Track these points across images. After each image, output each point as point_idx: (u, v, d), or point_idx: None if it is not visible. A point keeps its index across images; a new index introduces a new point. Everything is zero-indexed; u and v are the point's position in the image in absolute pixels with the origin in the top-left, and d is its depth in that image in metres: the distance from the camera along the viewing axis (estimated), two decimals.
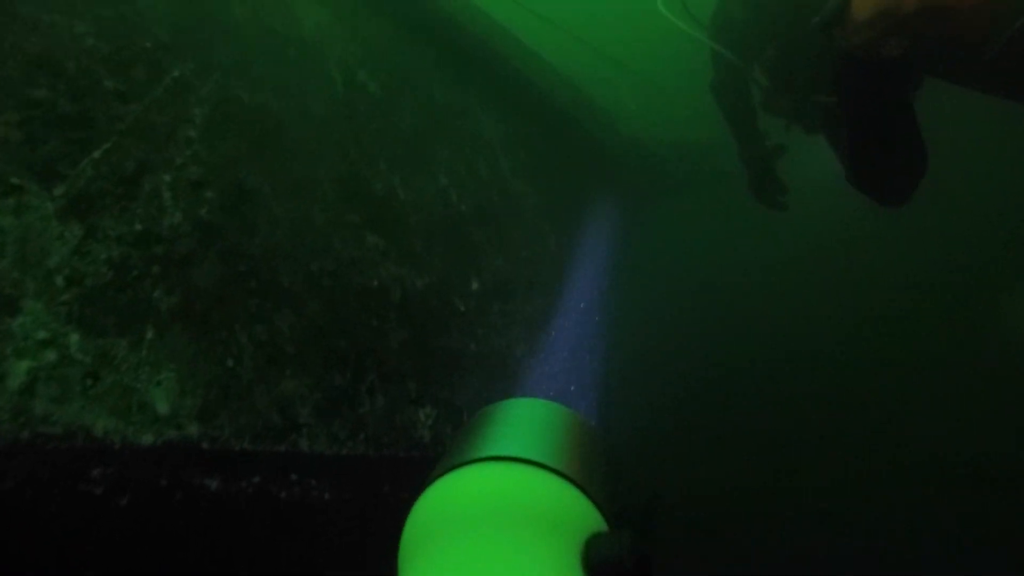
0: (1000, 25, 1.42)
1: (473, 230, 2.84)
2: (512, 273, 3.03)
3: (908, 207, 2.05)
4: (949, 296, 5.87)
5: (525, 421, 0.64)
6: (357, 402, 1.83)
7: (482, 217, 2.96)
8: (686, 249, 7.96)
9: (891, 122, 1.71)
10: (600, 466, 0.62)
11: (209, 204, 1.64)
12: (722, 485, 5.41)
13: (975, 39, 1.53)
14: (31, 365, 1.13)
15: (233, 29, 2.03)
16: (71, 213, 1.30)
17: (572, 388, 3.08)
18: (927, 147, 1.81)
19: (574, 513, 0.54)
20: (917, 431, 5.32)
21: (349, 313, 1.96)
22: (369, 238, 2.18)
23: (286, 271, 1.80)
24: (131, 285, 1.36)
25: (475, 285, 2.67)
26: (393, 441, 1.89)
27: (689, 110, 7.14)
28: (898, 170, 1.86)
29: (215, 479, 1.34)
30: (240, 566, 1.40)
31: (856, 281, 6.69)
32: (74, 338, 1.20)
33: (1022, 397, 4.94)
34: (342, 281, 1.98)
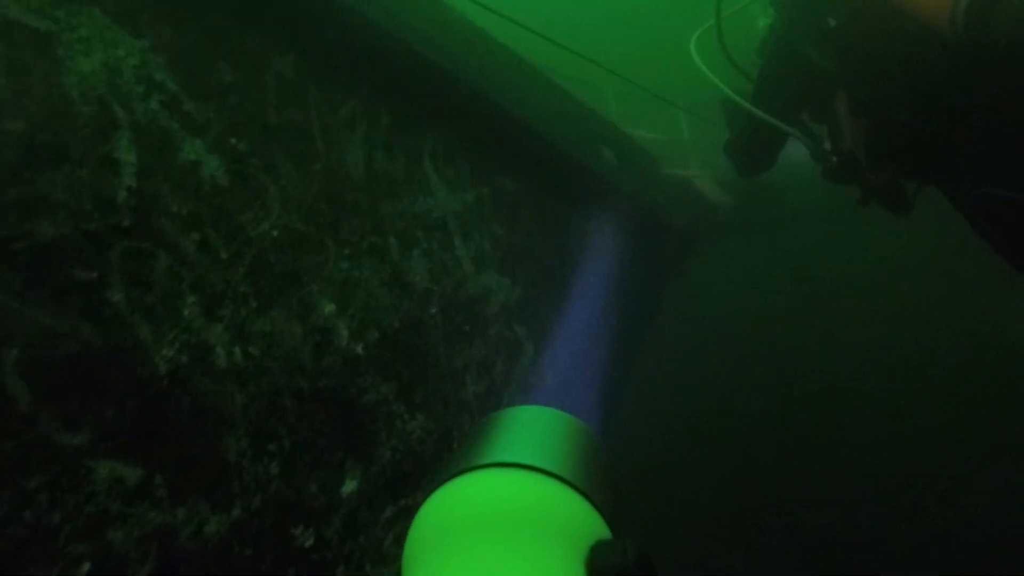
0: None
1: (372, 383, 1.87)
2: (435, 436, 2.06)
3: None
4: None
5: (529, 428, 0.63)
6: None
7: (396, 354, 1.98)
8: (730, 299, 6.88)
9: None
10: (603, 474, 0.60)
11: None
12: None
13: None
14: None
15: None
16: None
17: None
18: None
19: (578, 520, 0.53)
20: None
21: None
22: (101, 471, 1.23)
23: None
24: None
25: (350, 486, 1.71)
26: None
27: None
28: None
29: None
30: None
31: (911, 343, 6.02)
32: None
33: None
34: None
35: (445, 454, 2.19)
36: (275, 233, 1.73)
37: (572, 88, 3.51)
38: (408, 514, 1.84)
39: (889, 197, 2.27)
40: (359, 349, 1.85)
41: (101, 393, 1.26)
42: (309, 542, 1.56)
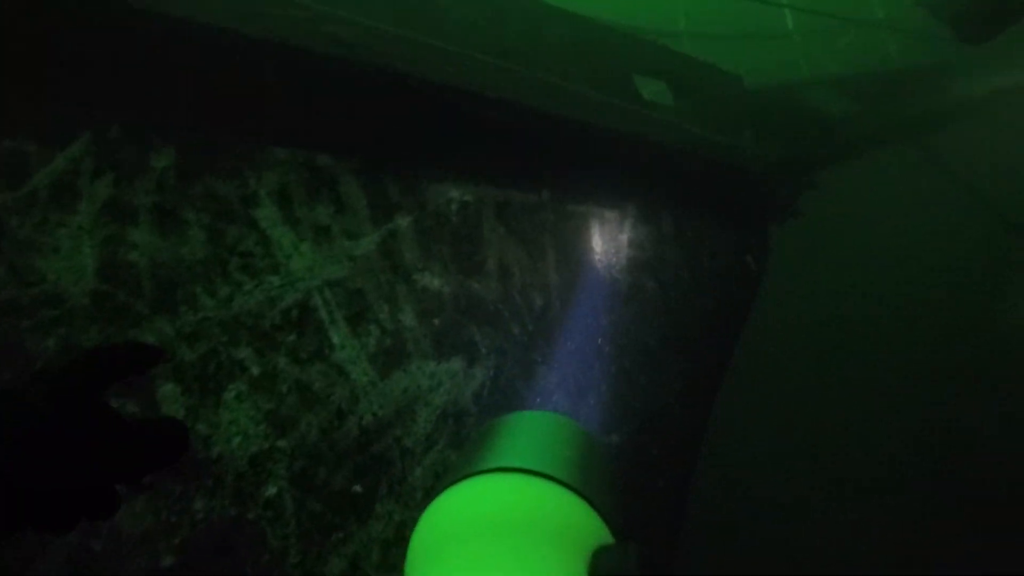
0: None
1: None
2: None
3: None
4: None
5: (532, 433, 0.63)
6: None
7: None
8: (869, 231, 5.36)
9: None
10: (605, 479, 0.60)
11: None
12: None
13: None
14: None
15: None
16: None
17: None
18: None
19: (581, 525, 0.53)
20: None
21: None
22: None
23: None
24: None
25: None
26: None
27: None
28: None
29: None
30: None
31: None
32: None
33: None
34: None
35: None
36: None
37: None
38: None
39: None
40: None
41: None
42: None
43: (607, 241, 2.22)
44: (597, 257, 2.17)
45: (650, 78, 2.67)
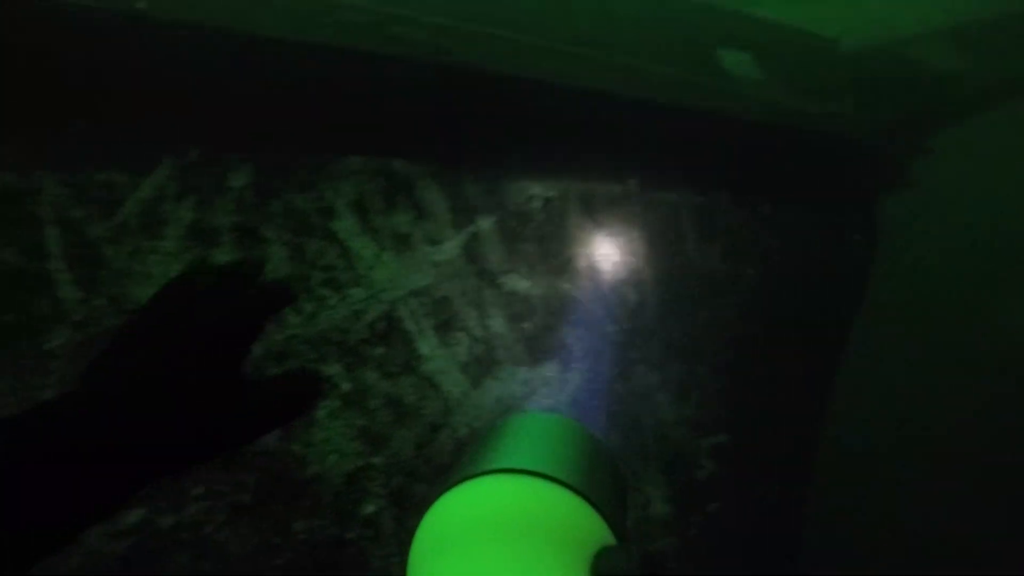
0: None
1: None
2: None
3: None
4: None
5: (534, 434, 0.61)
6: None
7: None
8: (991, 199, 4.84)
9: None
10: (607, 479, 0.59)
11: None
12: None
13: None
14: None
15: None
16: None
17: None
18: None
19: (583, 526, 0.52)
20: None
21: None
22: None
23: None
24: None
25: None
26: None
27: None
28: None
29: None
30: None
31: None
32: None
33: None
34: None
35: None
36: None
37: None
38: None
39: None
40: None
41: None
42: None
43: (700, 229, 2.07)
44: (691, 247, 2.03)
45: (734, 50, 2.50)
